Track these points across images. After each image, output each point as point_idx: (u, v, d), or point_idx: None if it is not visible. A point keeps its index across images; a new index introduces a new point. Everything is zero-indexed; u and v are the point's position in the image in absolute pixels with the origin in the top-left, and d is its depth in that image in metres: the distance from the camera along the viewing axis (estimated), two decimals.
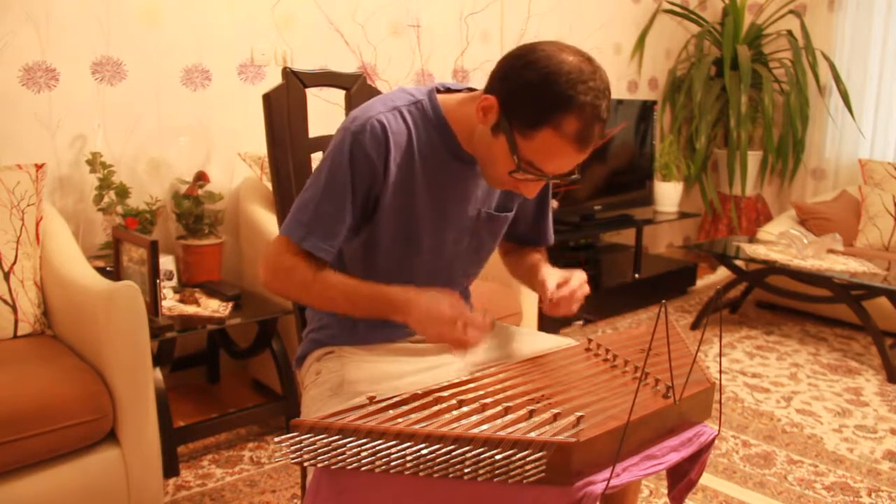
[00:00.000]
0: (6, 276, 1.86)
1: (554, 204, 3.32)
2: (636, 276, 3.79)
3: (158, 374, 1.96)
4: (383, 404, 0.99)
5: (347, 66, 2.92)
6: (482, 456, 0.89)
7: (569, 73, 1.07)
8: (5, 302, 1.85)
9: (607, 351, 1.23)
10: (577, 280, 1.26)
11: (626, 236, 4.23)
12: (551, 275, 1.29)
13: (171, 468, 2.02)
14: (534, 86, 1.08)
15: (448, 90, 1.28)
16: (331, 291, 1.20)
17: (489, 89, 1.15)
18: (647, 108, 3.86)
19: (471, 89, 1.28)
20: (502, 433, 0.91)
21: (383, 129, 1.18)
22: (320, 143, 1.50)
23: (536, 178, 1.15)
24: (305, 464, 0.91)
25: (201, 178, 2.46)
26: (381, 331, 1.32)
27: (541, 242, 1.51)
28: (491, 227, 1.36)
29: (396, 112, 1.21)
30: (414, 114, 1.23)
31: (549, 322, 3.12)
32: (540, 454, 0.89)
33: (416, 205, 1.24)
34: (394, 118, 1.20)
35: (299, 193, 1.24)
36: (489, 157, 1.19)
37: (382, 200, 1.22)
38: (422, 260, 1.29)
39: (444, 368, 1.26)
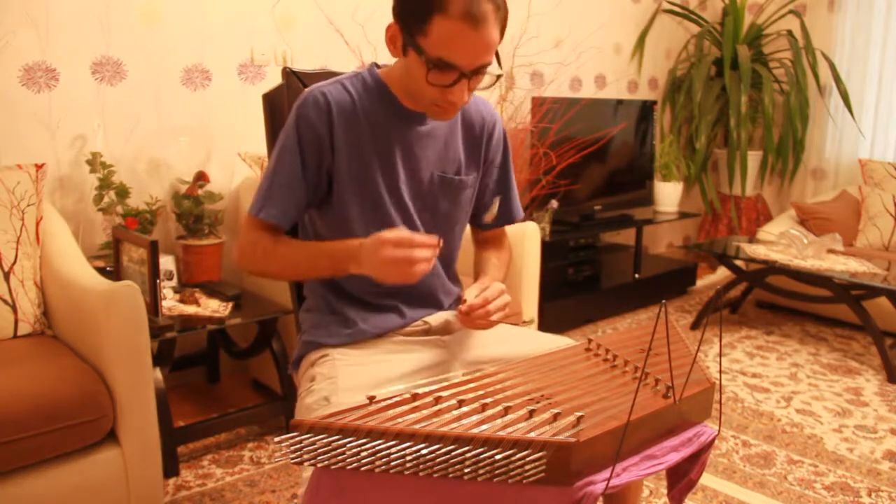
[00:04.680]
0: (6, 276, 1.86)
1: (553, 204, 3.34)
2: (636, 276, 3.79)
3: (158, 374, 1.96)
4: (383, 404, 0.99)
5: (347, 66, 2.92)
6: (482, 456, 0.89)
7: None
8: (5, 302, 1.85)
9: (607, 351, 1.23)
10: (493, 291, 1.25)
11: (626, 236, 4.23)
12: (473, 287, 1.29)
13: (171, 468, 2.02)
14: None
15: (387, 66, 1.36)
16: (292, 255, 1.28)
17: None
18: (647, 108, 3.86)
19: None
20: (502, 433, 0.91)
21: (325, 98, 1.26)
22: None
23: (456, 75, 1.18)
24: (305, 464, 0.91)
25: (201, 178, 2.46)
26: (371, 322, 1.33)
27: (508, 220, 1.52)
28: (447, 191, 1.37)
29: (338, 83, 1.30)
30: (356, 84, 1.31)
31: (550, 322, 3.13)
32: (540, 454, 0.89)
33: (371, 169, 1.29)
34: (335, 89, 1.29)
35: None
36: (413, 83, 1.23)
37: (338, 169, 1.28)
38: (390, 226, 1.30)
39: (439, 368, 1.26)
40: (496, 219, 1.50)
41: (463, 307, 1.22)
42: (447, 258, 1.44)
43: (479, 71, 1.19)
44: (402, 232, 1.15)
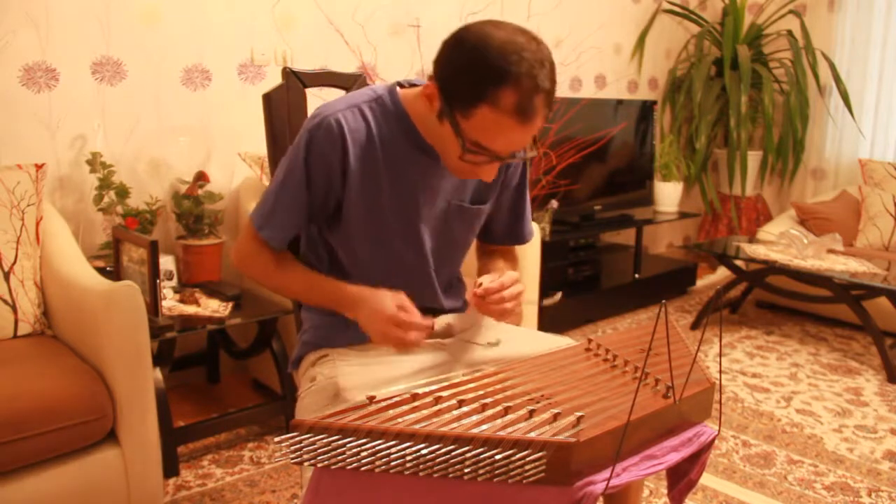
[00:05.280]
0: (6, 276, 1.86)
1: (554, 204, 3.34)
2: (636, 276, 3.79)
3: (158, 374, 1.96)
4: (383, 404, 0.99)
5: (347, 66, 2.92)
6: (482, 456, 0.89)
7: (499, 47, 1.07)
8: (5, 302, 1.85)
9: (607, 351, 1.23)
10: (509, 278, 1.23)
11: (626, 236, 4.23)
12: (488, 275, 1.27)
13: (171, 468, 2.02)
14: (464, 64, 1.08)
15: (413, 85, 1.29)
16: (291, 281, 1.29)
17: (432, 76, 1.15)
18: (647, 108, 3.86)
19: None
20: (502, 433, 0.91)
21: (339, 127, 1.20)
22: None
23: (488, 159, 1.14)
24: (305, 464, 0.91)
25: (201, 178, 2.46)
26: None
27: (518, 240, 1.49)
28: (463, 219, 1.36)
29: (355, 109, 1.23)
30: (374, 109, 1.24)
31: (550, 322, 3.13)
32: (540, 454, 0.89)
33: (383, 198, 1.26)
34: (352, 115, 1.22)
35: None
36: (442, 145, 1.20)
37: (347, 196, 1.24)
38: (397, 253, 1.31)
39: (440, 369, 1.26)
40: (506, 238, 1.48)
41: (478, 290, 1.20)
42: (449, 280, 1.45)
43: (515, 154, 1.16)
44: (403, 306, 1.16)
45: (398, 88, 1.27)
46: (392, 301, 1.17)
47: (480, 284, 1.20)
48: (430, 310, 1.39)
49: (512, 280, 1.22)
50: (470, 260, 1.52)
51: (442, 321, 1.38)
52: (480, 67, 1.06)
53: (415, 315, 1.16)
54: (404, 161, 1.25)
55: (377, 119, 1.23)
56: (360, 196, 1.24)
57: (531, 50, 1.08)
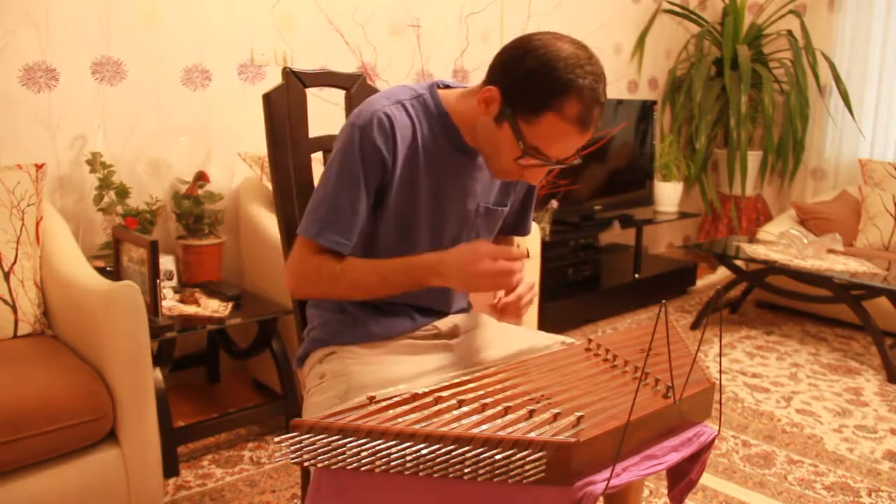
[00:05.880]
0: (6, 276, 1.86)
1: (553, 204, 3.34)
2: (636, 276, 3.79)
3: (158, 374, 1.96)
4: (383, 404, 0.99)
5: (347, 66, 2.92)
6: (482, 456, 0.89)
7: (567, 59, 1.12)
8: (5, 302, 1.85)
9: (607, 351, 1.23)
10: (525, 286, 1.26)
11: (626, 236, 4.23)
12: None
13: (171, 468, 2.02)
14: (534, 73, 1.12)
15: (447, 87, 1.31)
16: (364, 276, 1.22)
17: (490, 80, 1.18)
18: (647, 108, 3.86)
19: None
20: (502, 433, 0.91)
21: (390, 121, 1.20)
22: (320, 142, 1.50)
23: (542, 163, 1.18)
24: (305, 464, 0.91)
25: (201, 178, 2.46)
26: (383, 324, 1.33)
27: (521, 233, 1.54)
28: (488, 221, 1.39)
29: (400, 105, 1.23)
30: (416, 107, 1.25)
31: (550, 322, 3.13)
32: (540, 454, 0.89)
33: (419, 200, 1.26)
34: (398, 111, 1.23)
35: (312, 196, 1.25)
36: (494, 148, 1.21)
37: (389, 193, 1.24)
38: (418, 250, 1.30)
39: (447, 370, 1.26)
40: (511, 230, 1.52)
41: (498, 304, 1.24)
42: None
43: (565, 160, 1.20)
44: (486, 246, 1.16)
45: (437, 88, 1.28)
46: (474, 246, 1.17)
47: (500, 299, 1.25)
48: (438, 312, 1.39)
49: (527, 289, 1.26)
50: None
51: (449, 322, 1.39)
52: (550, 77, 1.11)
53: (505, 248, 1.17)
54: (442, 160, 1.27)
55: (419, 118, 1.25)
56: (399, 191, 1.25)
57: (593, 64, 1.15)
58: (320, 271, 1.22)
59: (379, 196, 1.25)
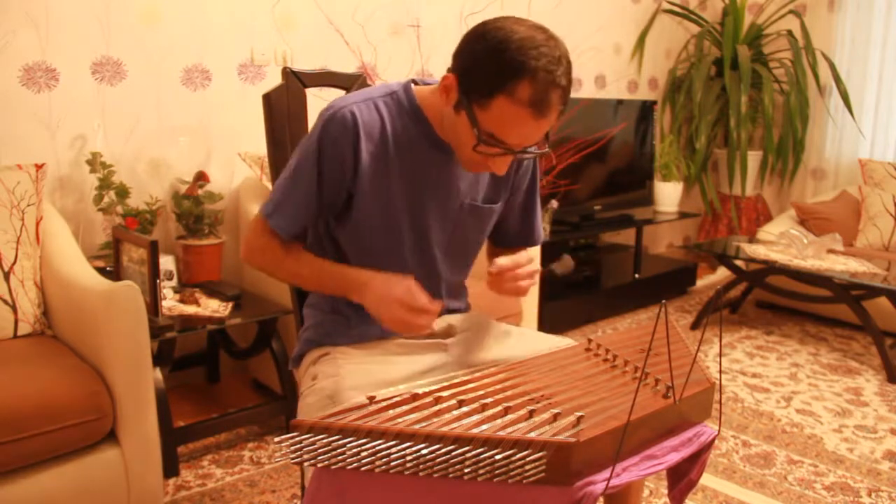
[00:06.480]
0: (6, 276, 1.86)
1: (554, 204, 3.34)
2: (636, 276, 3.79)
3: (158, 374, 1.96)
4: (383, 404, 0.99)
5: (347, 66, 2.92)
6: (482, 456, 0.89)
7: (519, 41, 1.09)
8: (5, 302, 1.85)
9: (607, 351, 1.23)
10: (524, 257, 1.24)
11: (626, 236, 4.23)
12: (503, 257, 1.26)
13: (171, 468, 2.02)
14: (485, 56, 1.11)
15: (426, 84, 1.31)
16: (301, 268, 1.29)
17: (450, 69, 1.18)
18: (647, 108, 3.86)
19: None
20: (502, 433, 0.91)
21: (353, 118, 1.21)
22: None
23: (502, 151, 1.16)
24: (305, 464, 0.91)
25: (201, 178, 2.46)
26: (376, 325, 1.33)
27: (529, 241, 1.50)
28: (476, 219, 1.37)
29: (370, 102, 1.25)
30: (389, 104, 1.26)
31: (550, 322, 3.13)
32: (540, 454, 0.89)
33: (393, 193, 1.26)
34: (366, 108, 1.23)
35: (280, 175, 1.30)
36: (456, 138, 1.21)
37: (358, 188, 1.25)
38: (406, 250, 1.31)
39: (441, 370, 1.26)
40: (517, 238, 1.49)
41: (493, 269, 1.21)
42: (456, 286, 1.45)
43: (527, 149, 1.18)
44: (412, 290, 1.16)
45: (413, 85, 1.28)
46: (401, 284, 1.17)
47: (498, 266, 1.22)
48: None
49: (527, 259, 1.24)
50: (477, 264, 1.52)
51: (443, 321, 1.38)
52: (500, 60, 1.09)
53: (423, 299, 1.17)
54: (417, 157, 1.26)
55: (391, 114, 1.25)
56: (371, 190, 1.25)
57: (550, 46, 1.10)
58: (265, 250, 1.29)
59: (345, 191, 1.25)
